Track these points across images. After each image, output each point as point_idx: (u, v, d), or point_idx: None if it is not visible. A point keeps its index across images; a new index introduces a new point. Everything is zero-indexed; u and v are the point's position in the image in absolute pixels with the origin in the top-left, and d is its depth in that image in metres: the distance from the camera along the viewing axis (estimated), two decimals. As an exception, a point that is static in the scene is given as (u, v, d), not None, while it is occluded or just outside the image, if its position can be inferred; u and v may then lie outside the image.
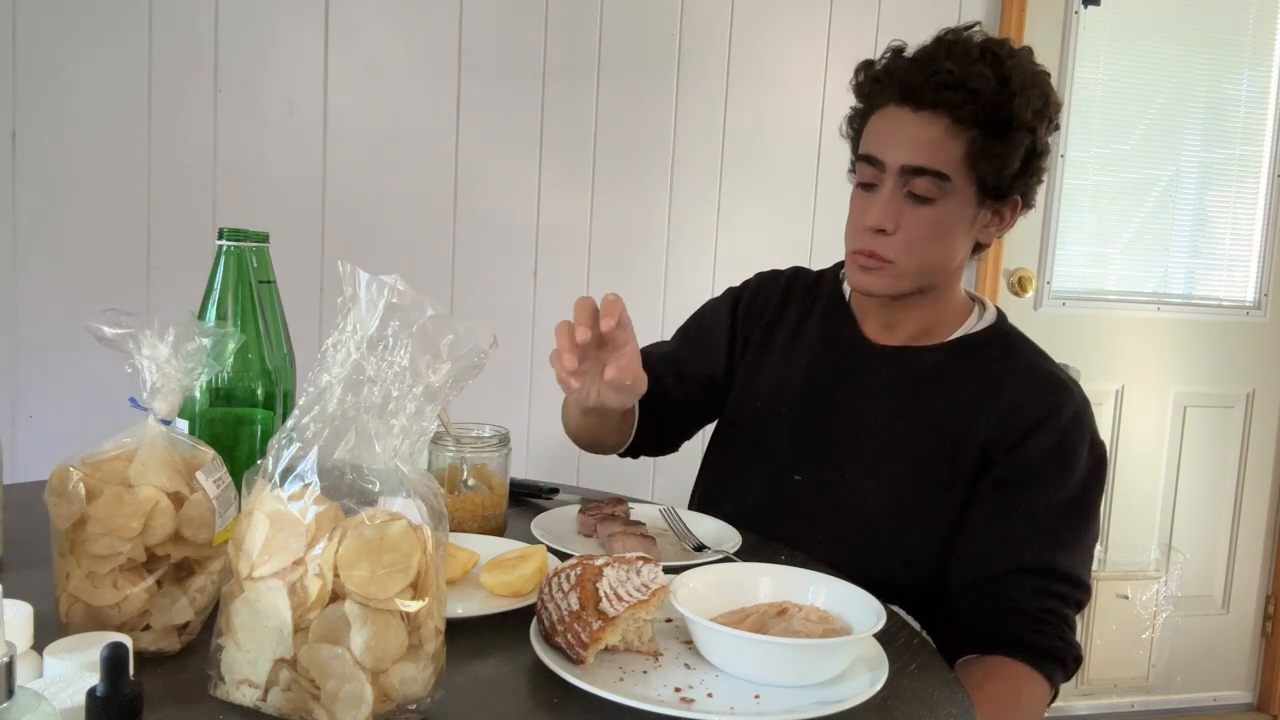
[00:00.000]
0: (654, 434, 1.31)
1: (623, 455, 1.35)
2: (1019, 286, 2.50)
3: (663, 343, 1.39)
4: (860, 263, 1.15)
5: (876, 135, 1.13)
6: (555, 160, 2.11)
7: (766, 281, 1.36)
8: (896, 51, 1.14)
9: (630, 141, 2.16)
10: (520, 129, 2.09)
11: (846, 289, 1.29)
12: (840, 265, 1.32)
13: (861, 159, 1.14)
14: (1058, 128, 1.15)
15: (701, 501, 1.31)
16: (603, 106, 2.13)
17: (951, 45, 1.09)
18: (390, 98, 2.00)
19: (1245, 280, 2.72)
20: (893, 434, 1.16)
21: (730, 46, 2.21)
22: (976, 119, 1.07)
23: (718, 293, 1.42)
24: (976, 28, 1.12)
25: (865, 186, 1.14)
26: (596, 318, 0.95)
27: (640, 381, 1.02)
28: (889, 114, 1.12)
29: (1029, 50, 1.13)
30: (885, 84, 1.12)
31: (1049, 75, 1.13)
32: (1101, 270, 2.65)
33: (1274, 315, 2.72)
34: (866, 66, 1.17)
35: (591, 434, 1.26)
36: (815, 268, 1.37)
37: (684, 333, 1.39)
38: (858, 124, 1.19)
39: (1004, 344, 1.19)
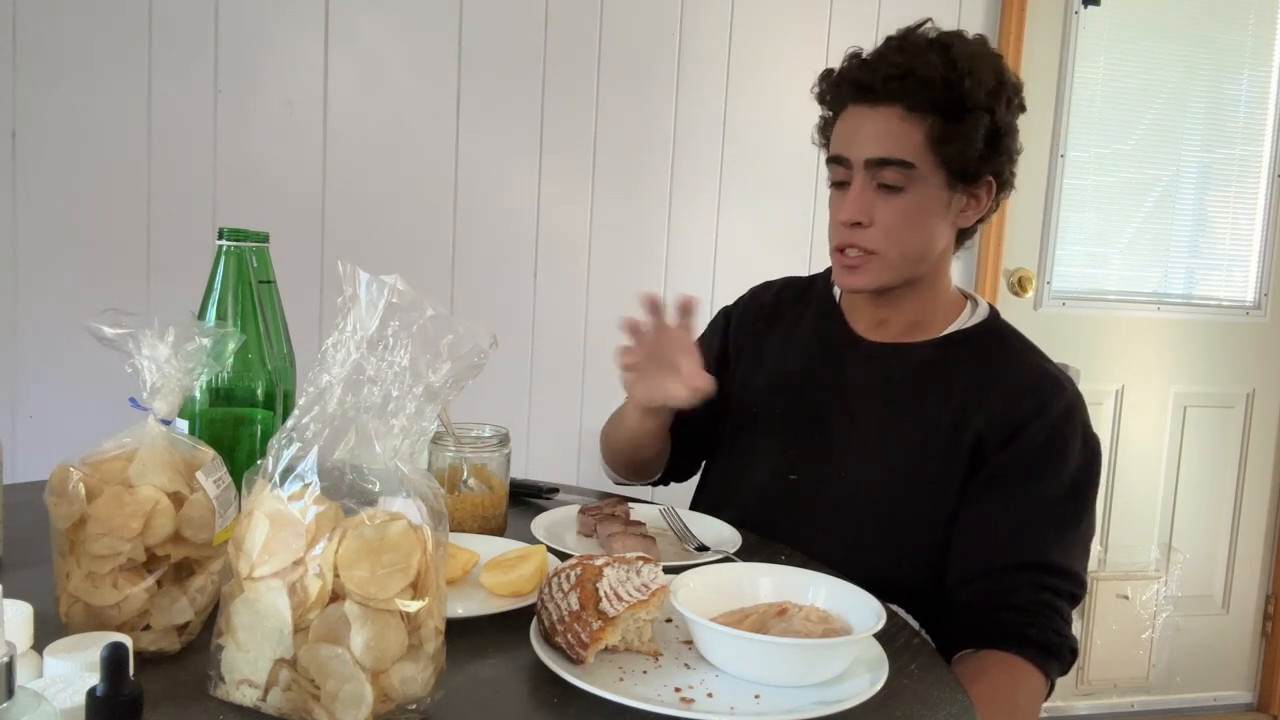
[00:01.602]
0: (674, 461, 1.37)
1: (654, 485, 1.41)
2: (1019, 286, 2.50)
3: None
4: (843, 262, 1.17)
5: (841, 136, 1.17)
6: (555, 160, 2.11)
7: (758, 292, 1.39)
8: (852, 57, 1.17)
9: (630, 141, 2.16)
10: (520, 129, 2.09)
11: (837, 290, 1.30)
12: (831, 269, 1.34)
13: (831, 161, 1.18)
14: (1023, 109, 1.16)
15: (704, 508, 1.32)
16: (603, 106, 2.13)
17: (901, 41, 1.13)
18: (390, 98, 2.00)
19: (1245, 280, 2.72)
20: (886, 431, 1.16)
21: (730, 47, 2.21)
22: (931, 104, 1.10)
23: (717, 293, 1.44)
24: (928, 24, 1.15)
25: (838, 186, 1.18)
26: (654, 310, 1.13)
27: (707, 379, 1.10)
28: (850, 114, 1.16)
29: (982, 37, 1.16)
30: (841, 86, 1.17)
31: (1001, 57, 1.16)
32: (1101, 270, 2.65)
33: (1274, 315, 2.72)
34: (826, 75, 1.21)
35: (641, 447, 1.28)
36: (815, 268, 1.38)
37: None
38: (826, 132, 1.22)
39: (996, 340, 1.20)
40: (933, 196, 1.13)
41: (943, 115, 1.10)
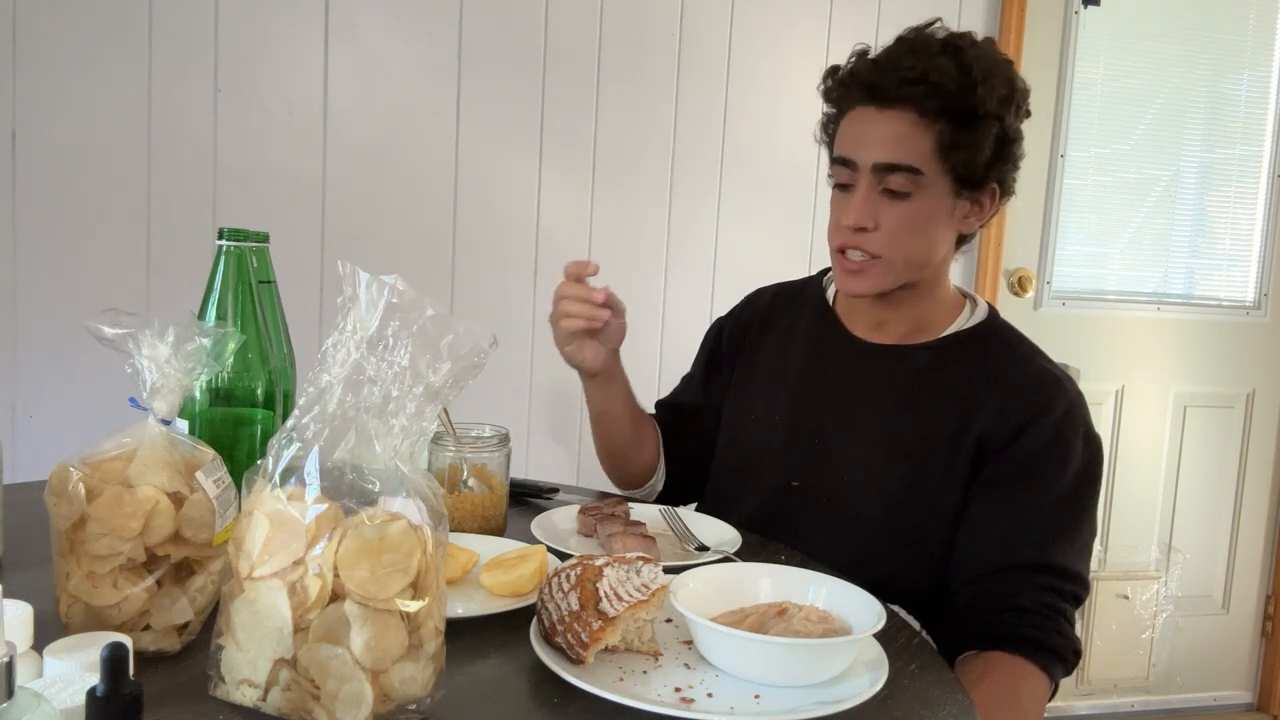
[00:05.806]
0: (679, 478, 1.37)
1: (658, 503, 1.40)
2: (1019, 286, 2.50)
3: (668, 395, 1.43)
4: (845, 265, 1.16)
5: (848, 137, 1.15)
6: (555, 160, 2.11)
7: (751, 299, 1.39)
8: (861, 55, 1.16)
9: (630, 141, 2.16)
10: (520, 129, 2.09)
11: (830, 293, 1.30)
12: (824, 272, 1.33)
13: (836, 161, 1.16)
14: (1029, 114, 1.16)
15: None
16: (603, 106, 2.13)
17: (912, 43, 1.11)
18: (390, 98, 2.00)
19: (1245, 280, 2.72)
20: (887, 434, 1.16)
21: (730, 47, 2.21)
22: (942, 111, 1.08)
23: (717, 292, 1.44)
24: (938, 24, 1.14)
25: (842, 188, 1.16)
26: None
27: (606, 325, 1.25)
28: (858, 115, 1.13)
29: (991, 41, 1.15)
30: (851, 86, 1.14)
31: (1012, 63, 1.14)
32: (1101, 270, 2.65)
33: (1274, 315, 2.72)
34: (833, 72, 1.19)
35: (610, 425, 1.30)
36: (815, 268, 1.37)
37: (686, 379, 1.43)
38: (830, 129, 1.20)
39: (996, 340, 1.19)
40: (938, 203, 1.12)
41: (953, 122, 1.08)
